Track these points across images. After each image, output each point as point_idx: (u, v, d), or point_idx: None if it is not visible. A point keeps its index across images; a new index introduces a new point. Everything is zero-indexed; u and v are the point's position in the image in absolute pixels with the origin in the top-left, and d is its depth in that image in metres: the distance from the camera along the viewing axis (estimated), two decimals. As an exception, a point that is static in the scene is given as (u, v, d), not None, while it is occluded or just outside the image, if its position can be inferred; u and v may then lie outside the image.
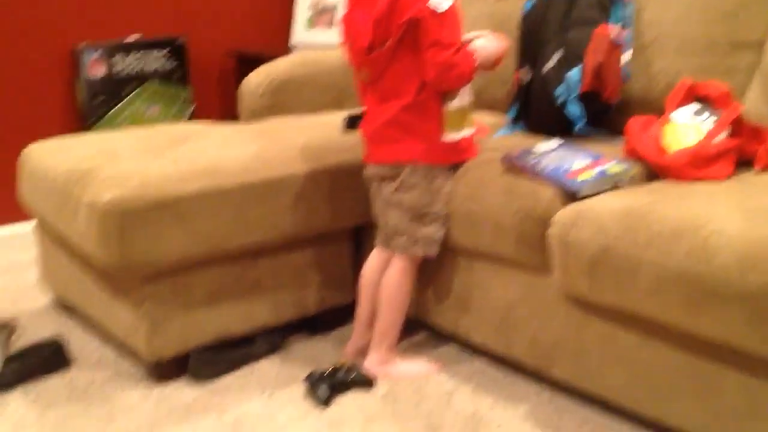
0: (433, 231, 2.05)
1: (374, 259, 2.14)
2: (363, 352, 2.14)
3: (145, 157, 2.16)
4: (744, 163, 1.95)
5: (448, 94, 2.00)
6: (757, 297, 1.48)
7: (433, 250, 2.07)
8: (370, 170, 2.10)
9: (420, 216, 2.03)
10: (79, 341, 2.32)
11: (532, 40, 2.36)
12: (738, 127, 1.97)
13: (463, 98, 2.04)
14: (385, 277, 2.09)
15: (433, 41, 1.91)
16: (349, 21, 2.03)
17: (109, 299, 2.16)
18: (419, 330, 2.31)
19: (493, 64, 2.06)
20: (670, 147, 1.97)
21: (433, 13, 1.89)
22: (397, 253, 2.07)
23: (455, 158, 2.07)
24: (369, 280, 2.14)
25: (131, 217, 1.96)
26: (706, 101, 2.04)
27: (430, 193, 2.03)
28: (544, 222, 1.84)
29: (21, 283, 2.79)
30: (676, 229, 1.62)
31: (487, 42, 2.03)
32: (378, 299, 2.11)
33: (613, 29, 2.21)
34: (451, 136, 2.03)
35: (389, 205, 2.06)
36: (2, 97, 3.05)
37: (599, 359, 1.82)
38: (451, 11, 1.92)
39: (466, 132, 2.07)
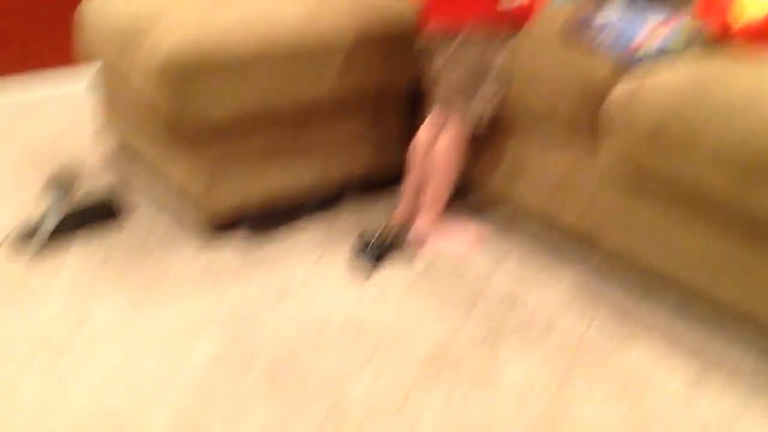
0: (492, 91, 2.04)
1: (427, 127, 2.14)
2: (411, 219, 2.17)
3: (203, 10, 2.14)
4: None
5: None
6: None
7: (487, 113, 2.06)
8: (430, 29, 2.07)
9: (481, 72, 2.02)
10: (138, 191, 2.38)
11: None
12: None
13: None
14: (437, 145, 2.09)
15: None
16: None
17: (168, 150, 2.20)
18: (473, 194, 2.31)
19: None
20: (743, 13, 1.86)
21: None
22: (453, 113, 2.06)
23: (512, 27, 2.02)
24: (421, 149, 2.14)
25: (188, 71, 1.97)
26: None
27: (491, 52, 2.01)
28: (602, 95, 1.80)
29: (83, 130, 2.84)
30: (740, 103, 1.57)
31: None
32: (429, 166, 2.11)
33: None
34: (506, 5, 1.98)
35: (452, 62, 2.04)
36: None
37: (648, 233, 1.81)
38: None
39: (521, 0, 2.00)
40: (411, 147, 2.17)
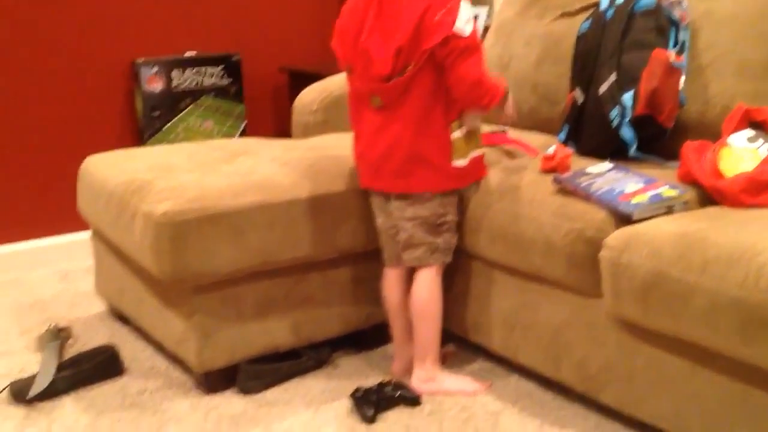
0: (449, 238, 2.08)
1: (390, 278, 2.16)
2: (409, 369, 2.15)
3: (200, 171, 2.20)
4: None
5: (454, 122, 2.00)
6: (813, 326, 1.46)
7: (449, 257, 2.10)
8: (373, 188, 2.11)
9: (436, 226, 2.05)
10: (131, 350, 2.36)
11: (587, 61, 2.34)
12: (797, 153, 1.94)
13: (472, 122, 2.03)
14: (413, 294, 2.10)
15: (462, 60, 1.92)
16: (362, 49, 1.98)
17: (161, 309, 2.20)
18: (467, 348, 2.30)
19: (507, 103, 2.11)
20: (727, 172, 1.94)
21: (459, 36, 1.90)
22: (416, 265, 2.08)
23: (464, 183, 2.09)
24: (393, 300, 2.16)
25: (185, 229, 2.00)
26: (762, 127, 2.01)
27: (444, 205, 2.05)
28: (596, 244, 1.83)
29: (77, 291, 2.85)
30: (732, 255, 1.59)
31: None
32: (411, 315, 2.11)
33: (670, 53, 2.19)
34: (459, 162, 2.03)
35: (402, 219, 2.07)
36: (64, 109, 3.12)
37: (648, 385, 1.80)
38: (473, 35, 1.93)
39: (474, 154, 2.07)
40: (383, 301, 2.18)
